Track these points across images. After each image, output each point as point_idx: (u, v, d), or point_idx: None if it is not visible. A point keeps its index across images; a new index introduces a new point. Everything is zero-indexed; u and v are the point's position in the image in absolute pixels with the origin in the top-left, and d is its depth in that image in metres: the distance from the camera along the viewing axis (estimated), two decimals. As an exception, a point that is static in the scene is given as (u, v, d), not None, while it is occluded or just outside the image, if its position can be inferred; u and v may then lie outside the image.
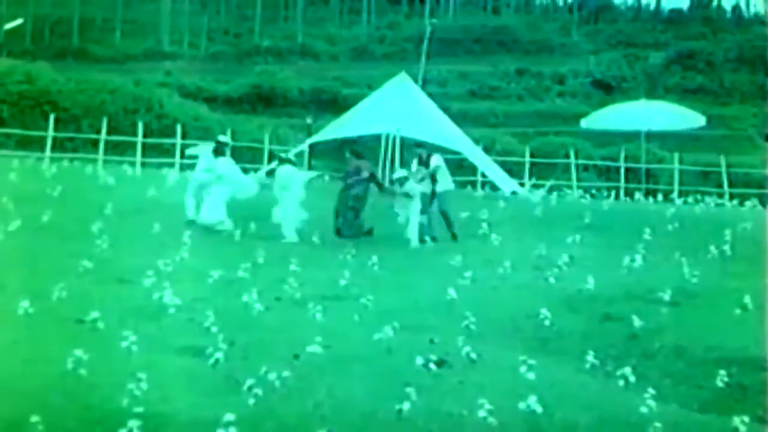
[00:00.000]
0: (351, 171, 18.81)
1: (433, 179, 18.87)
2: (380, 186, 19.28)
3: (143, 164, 34.87)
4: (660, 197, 30.48)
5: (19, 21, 71.74)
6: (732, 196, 34.25)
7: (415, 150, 19.94)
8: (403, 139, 26.84)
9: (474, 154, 28.26)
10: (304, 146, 27.91)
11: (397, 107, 25.77)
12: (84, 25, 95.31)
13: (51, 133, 28.64)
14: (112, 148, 36.77)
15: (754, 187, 38.89)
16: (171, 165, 34.13)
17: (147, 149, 37.20)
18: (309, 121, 34.60)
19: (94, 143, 37.79)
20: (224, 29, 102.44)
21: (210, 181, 18.62)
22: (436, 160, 19.07)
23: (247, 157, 37.52)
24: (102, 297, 11.88)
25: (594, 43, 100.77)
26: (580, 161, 38.70)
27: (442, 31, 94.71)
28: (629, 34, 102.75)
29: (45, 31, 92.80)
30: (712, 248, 16.09)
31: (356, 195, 18.52)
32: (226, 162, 19.13)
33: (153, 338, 9.99)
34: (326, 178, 18.83)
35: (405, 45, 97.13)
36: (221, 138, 19.91)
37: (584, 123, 39.36)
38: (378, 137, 27.42)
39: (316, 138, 27.61)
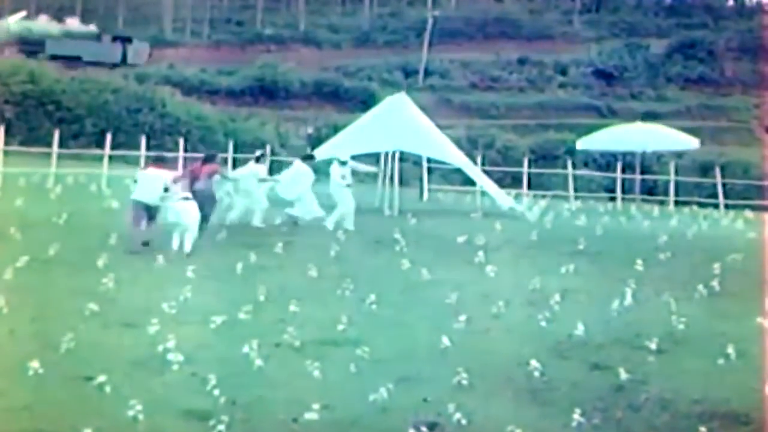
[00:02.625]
0: None
1: None
2: None
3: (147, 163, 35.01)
4: (656, 211, 30.88)
5: (22, 13, 72.30)
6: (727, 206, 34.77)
7: None
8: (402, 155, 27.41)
9: (471, 169, 28.72)
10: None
11: (396, 125, 26.20)
12: (86, 13, 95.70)
13: (56, 149, 28.97)
14: (116, 147, 36.92)
15: (753, 190, 39.36)
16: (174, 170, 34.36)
17: (151, 150, 37.29)
18: (309, 130, 35.08)
19: (98, 143, 38.18)
20: (227, 17, 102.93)
21: None
22: None
23: (250, 157, 37.93)
24: (108, 347, 12.38)
25: (596, 31, 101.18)
26: (578, 172, 39.06)
27: (445, 20, 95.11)
28: (631, 22, 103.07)
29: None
30: (701, 287, 16.50)
31: None
32: None
33: (158, 400, 10.44)
34: None
35: (407, 33, 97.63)
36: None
37: (580, 144, 39.93)
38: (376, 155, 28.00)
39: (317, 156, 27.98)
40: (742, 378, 12.19)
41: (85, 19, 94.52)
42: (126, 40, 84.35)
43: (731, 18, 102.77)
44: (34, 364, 10.91)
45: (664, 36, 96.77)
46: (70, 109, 44.63)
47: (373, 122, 27.17)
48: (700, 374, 12.52)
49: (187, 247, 18.47)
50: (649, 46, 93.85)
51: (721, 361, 12.71)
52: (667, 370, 12.63)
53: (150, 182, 18.92)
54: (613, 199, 36.21)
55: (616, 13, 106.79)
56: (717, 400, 11.60)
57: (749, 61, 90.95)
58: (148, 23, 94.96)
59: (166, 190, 18.69)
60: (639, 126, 39.28)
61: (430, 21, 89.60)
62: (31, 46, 77.12)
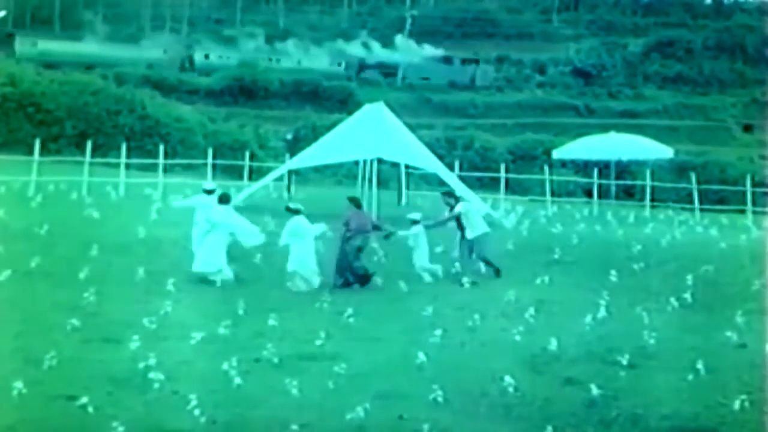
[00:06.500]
0: (350, 222, 18.60)
1: (460, 225, 19.88)
2: (384, 231, 19.62)
3: (127, 166, 34.84)
4: (632, 216, 31.16)
5: (2, 13, 72.14)
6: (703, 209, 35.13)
7: (445, 198, 20.71)
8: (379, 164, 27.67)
9: (447, 175, 28.94)
10: (283, 170, 28.42)
11: (374, 133, 26.41)
12: (65, 10, 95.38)
13: (37, 157, 29.07)
14: (96, 149, 36.83)
15: (729, 192, 39.71)
16: (155, 173, 34.20)
17: (131, 152, 37.24)
18: (288, 137, 35.19)
19: (78, 145, 38.24)
20: (206, 15, 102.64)
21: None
22: (459, 207, 20.04)
23: (229, 163, 38.15)
24: (90, 364, 12.57)
25: (574, 29, 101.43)
26: (556, 177, 39.31)
27: (424, 18, 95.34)
28: (609, 20, 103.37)
29: (26, 17, 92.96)
30: (673, 299, 16.78)
31: (358, 246, 18.51)
32: (225, 210, 18.55)
33: (140, 419, 10.67)
34: (329, 234, 18.97)
35: (386, 31, 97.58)
36: (207, 186, 19.55)
37: (556, 154, 40.30)
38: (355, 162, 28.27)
39: (295, 164, 28.17)
40: (711, 393, 12.47)
41: (63, 17, 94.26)
42: (474, 62, 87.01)
43: (709, 17, 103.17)
44: (18, 383, 11.10)
45: (642, 35, 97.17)
46: (50, 111, 44.68)
47: (352, 131, 27.35)
48: (670, 389, 12.77)
49: None
50: (627, 44, 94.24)
51: (690, 377, 12.98)
52: (638, 385, 12.90)
53: None
54: (590, 202, 36.51)
55: (594, 12, 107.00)
56: (686, 416, 11.89)
57: (727, 59, 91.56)
58: (127, 21, 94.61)
59: None
60: (613, 136, 39.59)
61: (409, 20, 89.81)
62: (385, 69, 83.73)
